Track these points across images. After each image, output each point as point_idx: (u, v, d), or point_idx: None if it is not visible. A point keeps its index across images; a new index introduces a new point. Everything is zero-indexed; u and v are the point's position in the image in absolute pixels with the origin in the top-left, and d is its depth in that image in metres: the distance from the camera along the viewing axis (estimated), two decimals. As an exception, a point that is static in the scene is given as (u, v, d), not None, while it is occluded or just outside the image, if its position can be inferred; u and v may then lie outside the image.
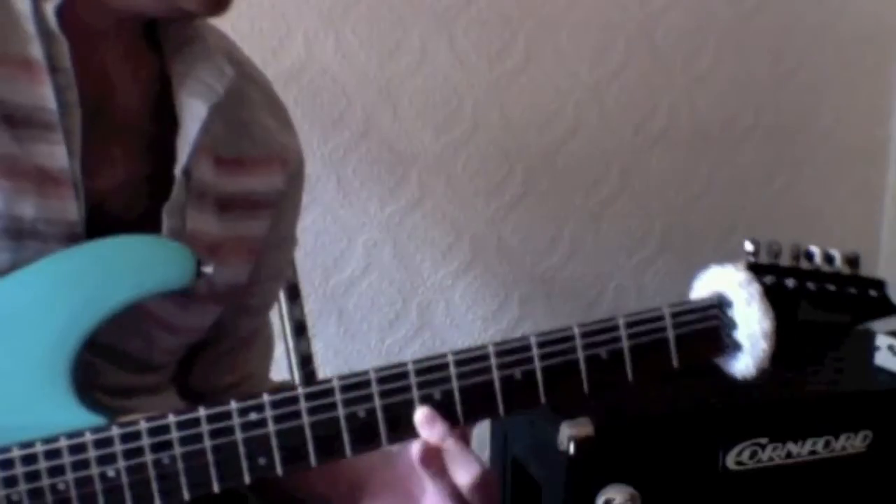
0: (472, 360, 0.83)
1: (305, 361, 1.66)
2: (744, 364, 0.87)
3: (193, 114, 0.87)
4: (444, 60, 1.94)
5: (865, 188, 2.30)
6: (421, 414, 0.81)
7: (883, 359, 1.86)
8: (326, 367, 1.91)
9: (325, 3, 1.85)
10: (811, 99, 2.20)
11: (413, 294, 2.02)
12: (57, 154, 0.82)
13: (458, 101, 1.97)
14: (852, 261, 0.92)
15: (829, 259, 0.92)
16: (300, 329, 1.65)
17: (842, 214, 2.27)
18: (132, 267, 0.82)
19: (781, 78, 2.17)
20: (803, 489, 1.74)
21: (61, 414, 0.80)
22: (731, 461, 1.71)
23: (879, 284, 0.93)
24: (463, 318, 2.06)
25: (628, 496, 1.66)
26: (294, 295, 1.63)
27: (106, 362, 0.88)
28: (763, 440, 1.71)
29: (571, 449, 1.62)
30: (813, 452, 1.74)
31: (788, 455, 1.73)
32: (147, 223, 0.87)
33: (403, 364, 0.82)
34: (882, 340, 1.86)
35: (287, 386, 0.82)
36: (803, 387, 1.77)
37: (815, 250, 0.92)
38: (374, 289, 1.99)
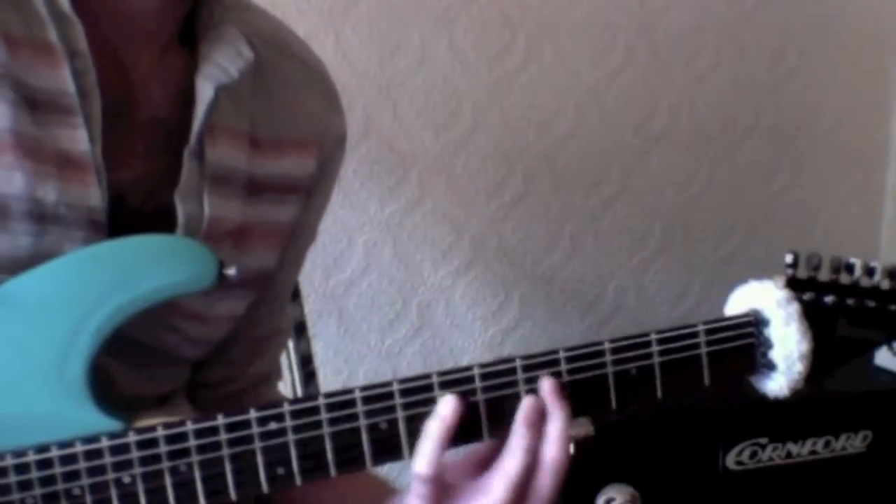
0: (498, 374, 0.81)
1: (305, 361, 1.66)
2: (777, 385, 0.85)
3: (203, 96, 0.87)
4: (444, 60, 1.94)
5: (865, 188, 2.30)
6: (552, 383, 0.81)
7: (883, 359, 1.86)
8: (326, 367, 1.91)
9: (325, 3, 1.85)
10: (811, 99, 2.21)
11: (413, 294, 2.02)
12: (78, 138, 0.81)
13: (458, 101, 1.97)
14: (894, 274, 0.89)
15: (869, 272, 0.89)
16: (300, 329, 1.65)
17: (842, 214, 2.27)
18: (152, 268, 0.81)
19: (781, 78, 2.17)
20: (803, 489, 1.74)
21: (76, 414, 0.80)
22: (731, 461, 1.71)
23: None
24: (463, 318, 2.06)
25: (628, 496, 1.66)
26: (294, 295, 1.63)
27: (125, 365, 0.88)
28: (763, 440, 1.71)
29: (571, 449, 1.62)
30: (813, 452, 1.74)
31: (788, 455, 1.73)
32: (169, 214, 0.86)
33: (427, 376, 0.80)
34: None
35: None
36: (803, 387, 1.77)
37: (856, 262, 0.89)
38: (374, 289, 1.99)
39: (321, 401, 0.79)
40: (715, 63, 2.11)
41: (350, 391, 0.79)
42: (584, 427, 1.62)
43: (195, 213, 0.87)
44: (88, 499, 0.79)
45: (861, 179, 2.29)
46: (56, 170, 0.81)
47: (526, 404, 0.80)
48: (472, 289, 2.05)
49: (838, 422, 1.75)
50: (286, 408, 0.79)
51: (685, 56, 2.10)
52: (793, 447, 1.73)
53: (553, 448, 0.81)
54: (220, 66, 0.88)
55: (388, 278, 1.99)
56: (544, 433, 0.81)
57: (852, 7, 2.19)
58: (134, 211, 0.86)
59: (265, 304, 1.01)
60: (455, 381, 0.81)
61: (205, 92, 0.87)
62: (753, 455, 1.71)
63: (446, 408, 0.80)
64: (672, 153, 2.13)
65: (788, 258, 0.88)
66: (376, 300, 2.00)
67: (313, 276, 1.92)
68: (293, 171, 0.96)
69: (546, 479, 0.81)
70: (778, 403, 1.74)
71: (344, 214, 1.93)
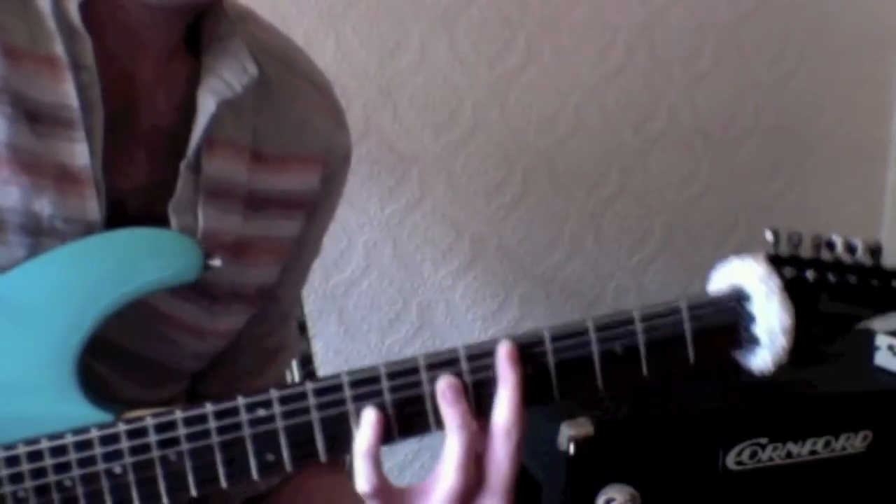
0: (484, 355, 0.81)
1: (305, 361, 1.66)
2: (762, 359, 0.85)
3: (204, 109, 0.86)
4: (444, 60, 1.94)
5: (865, 188, 2.30)
6: (508, 348, 0.79)
7: (883, 359, 1.86)
8: (327, 367, 1.90)
9: (325, 3, 1.85)
10: (811, 99, 2.21)
11: (413, 294, 2.02)
12: (78, 152, 0.81)
13: (458, 101, 1.97)
14: (875, 250, 0.89)
15: (850, 249, 0.88)
16: (300, 329, 1.65)
17: (842, 214, 2.27)
18: (137, 259, 0.81)
19: (781, 78, 2.17)
20: (803, 489, 1.74)
21: (66, 407, 0.80)
22: (731, 461, 1.71)
23: None
24: (463, 318, 2.06)
25: (628, 496, 1.66)
26: (294, 295, 1.63)
27: (121, 375, 0.87)
28: (763, 440, 1.71)
29: (571, 449, 1.62)
30: (813, 452, 1.74)
31: (788, 455, 1.73)
32: (165, 224, 0.86)
33: (413, 359, 0.80)
34: (882, 340, 1.86)
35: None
36: (803, 387, 1.78)
37: (837, 240, 0.88)
38: (374, 289, 1.99)
39: (308, 386, 0.79)
40: (715, 63, 2.12)
41: (336, 376, 0.79)
42: (584, 427, 1.62)
43: (189, 225, 0.87)
44: (80, 490, 0.79)
45: (861, 179, 2.30)
46: (53, 183, 0.80)
47: (439, 385, 0.79)
48: (472, 289, 2.05)
49: (838, 422, 1.75)
50: (273, 394, 0.79)
51: (685, 56, 2.10)
52: (793, 447, 1.73)
53: (503, 413, 0.79)
54: (224, 81, 0.87)
55: (388, 278, 1.99)
56: (496, 399, 0.80)
57: (852, 7, 2.19)
58: (131, 219, 0.85)
59: (267, 319, 1.01)
60: (441, 363, 0.80)
61: (206, 105, 0.86)
62: (753, 455, 1.71)
63: (366, 423, 0.78)
64: (672, 153, 2.13)
65: (769, 236, 0.88)
66: (376, 300, 2.00)
67: (313, 276, 1.90)
68: (297, 186, 0.96)
69: (500, 445, 0.79)
70: (778, 403, 1.75)
71: (344, 214, 1.93)
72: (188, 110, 0.87)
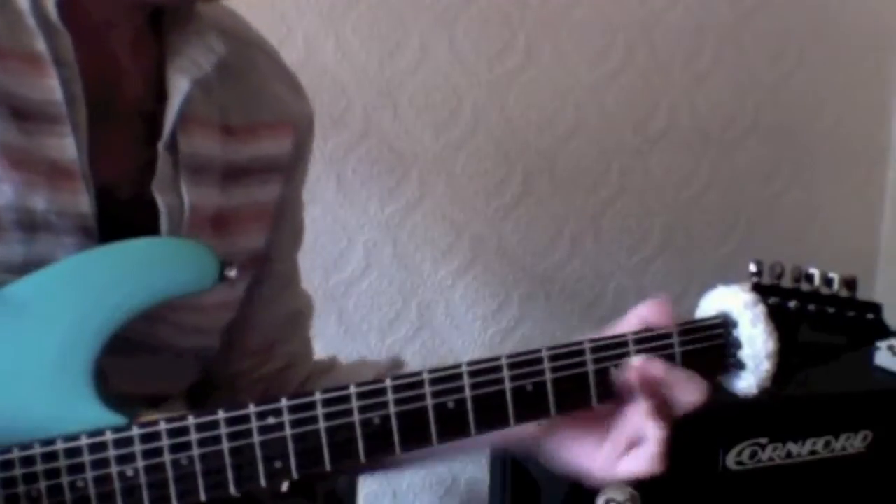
0: (487, 371, 0.85)
1: (305, 361, 1.66)
2: (746, 383, 0.90)
3: (178, 89, 0.89)
4: (444, 60, 1.94)
5: (865, 188, 2.30)
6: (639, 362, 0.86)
7: (883, 359, 1.86)
8: (326, 368, 1.91)
9: (325, 3, 1.85)
10: (811, 99, 2.21)
11: (413, 294, 2.02)
12: (66, 146, 0.83)
13: (458, 101, 1.97)
14: (850, 283, 0.95)
15: (828, 282, 0.94)
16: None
17: (842, 214, 2.27)
18: (155, 268, 0.83)
19: (781, 78, 2.17)
20: (803, 489, 1.74)
21: (82, 411, 0.81)
22: (731, 461, 1.71)
23: (876, 308, 0.96)
24: (463, 318, 2.06)
25: (628, 496, 1.66)
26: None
27: (132, 367, 0.88)
28: (763, 440, 1.71)
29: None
30: (813, 452, 1.74)
31: (788, 455, 1.73)
32: (153, 206, 0.88)
33: (419, 373, 0.84)
34: (882, 340, 1.85)
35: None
36: (803, 387, 1.77)
37: (815, 272, 0.94)
38: (374, 289, 1.99)
39: (317, 396, 0.82)
40: (715, 63, 2.11)
41: (345, 387, 0.82)
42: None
43: (175, 203, 0.89)
44: (92, 491, 0.80)
45: (861, 179, 2.29)
46: (45, 179, 0.82)
47: (631, 373, 0.86)
48: (472, 289, 2.05)
49: (838, 422, 1.75)
50: (284, 403, 0.81)
51: (685, 56, 2.10)
52: (793, 447, 1.73)
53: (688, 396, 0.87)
54: (192, 60, 0.90)
55: (388, 278, 1.99)
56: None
57: (852, 7, 2.19)
58: (119, 204, 0.87)
59: (265, 285, 1.03)
60: (445, 377, 0.84)
61: (179, 86, 0.89)
62: (753, 455, 1.72)
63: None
64: (672, 153, 2.13)
65: (752, 267, 0.93)
66: (376, 300, 2.00)
67: (313, 276, 1.92)
68: (271, 151, 0.99)
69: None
70: (778, 403, 1.75)
71: (344, 214, 1.93)
72: (160, 91, 0.90)
